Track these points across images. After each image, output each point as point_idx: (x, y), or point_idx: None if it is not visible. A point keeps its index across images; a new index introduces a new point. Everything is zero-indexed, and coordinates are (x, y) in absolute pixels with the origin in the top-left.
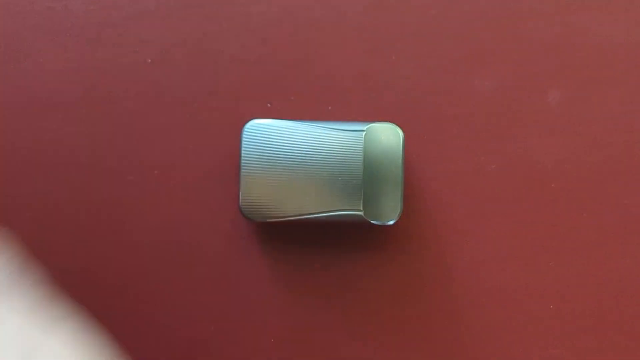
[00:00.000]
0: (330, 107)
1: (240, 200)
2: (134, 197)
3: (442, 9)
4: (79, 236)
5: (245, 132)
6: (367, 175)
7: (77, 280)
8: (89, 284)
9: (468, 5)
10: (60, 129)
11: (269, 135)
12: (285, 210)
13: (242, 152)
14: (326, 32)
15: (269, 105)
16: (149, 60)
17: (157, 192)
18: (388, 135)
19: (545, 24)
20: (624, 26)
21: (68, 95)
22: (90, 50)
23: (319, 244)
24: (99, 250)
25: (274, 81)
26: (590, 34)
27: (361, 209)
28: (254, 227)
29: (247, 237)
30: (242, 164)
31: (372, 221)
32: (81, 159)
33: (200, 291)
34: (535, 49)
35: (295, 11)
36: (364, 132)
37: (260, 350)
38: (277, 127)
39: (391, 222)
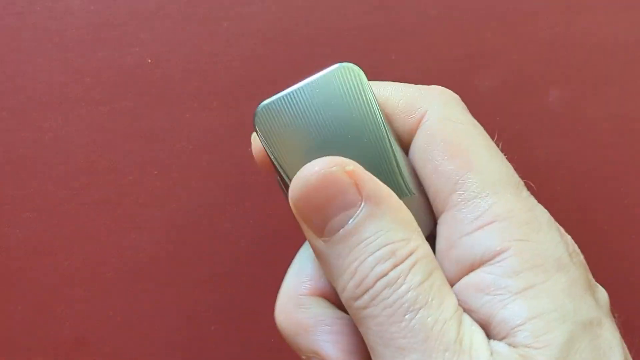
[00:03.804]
0: None
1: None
2: (133, 197)
3: (442, 9)
4: (79, 236)
5: (259, 124)
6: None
7: (76, 280)
8: (88, 284)
9: (468, 5)
10: (60, 129)
11: (285, 115)
12: None
13: (268, 148)
14: (326, 32)
15: None
16: (149, 60)
17: (157, 192)
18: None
19: (545, 24)
20: (624, 26)
21: (68, 95)
22: (90, 50)
23: None
24: (99, 250)
25: (274, 81)
26: (590, 34)
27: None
28: (254, 226)
29: (247, 236)
30: (275, 158)
31: None
32: (81, 159)
33: (200, 290)
34: (535, 49)
35: (295, 11)
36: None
37: (260, 350)
38: (290, 102)
39: None
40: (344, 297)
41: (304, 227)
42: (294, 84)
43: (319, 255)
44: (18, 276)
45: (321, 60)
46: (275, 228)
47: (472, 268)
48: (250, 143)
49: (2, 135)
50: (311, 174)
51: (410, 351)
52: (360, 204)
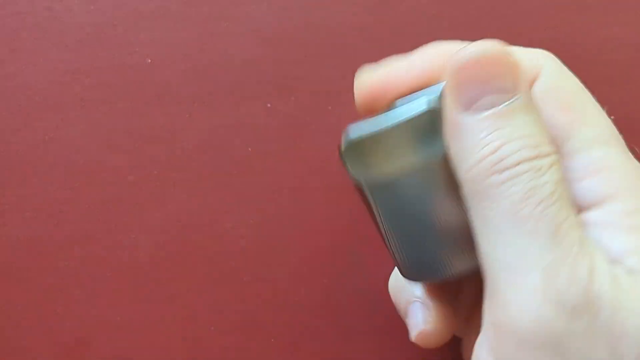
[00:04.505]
0: (330, 107)
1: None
2: (134, 197)
3: (442, 9)
4: (79, 236)
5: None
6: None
7: (76, 280)
8: (88, 284)
9: (468, 5)
10: (60, 129)
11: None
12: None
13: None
14: (326, 32)
15: (268, 105)
16: (149, 60)
17: (157, 192)
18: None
19: (545, 24)
20: (624, 26)
21: (68, 95)
22: (90, 50)
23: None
24: (99, 250)
25: (274, 81)
26: (590, 34)
27: None
28: (254, 226)
29: (246, 236)
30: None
31: None
32: (81, 159)
33: (200, 291)
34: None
35: (294, 11)
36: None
37: (260, 350)
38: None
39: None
40: (477, 169)
41: (451, 99)
42: (292, 83)
43: (456, 129)
44: (18, 276)
45: (321, 60)
46: (276, 228)
47: (579, 212)
48: (252, 141)
49: (2, 135)
50: (485, 49)
51: (539, 236)
52: (517, 94)
